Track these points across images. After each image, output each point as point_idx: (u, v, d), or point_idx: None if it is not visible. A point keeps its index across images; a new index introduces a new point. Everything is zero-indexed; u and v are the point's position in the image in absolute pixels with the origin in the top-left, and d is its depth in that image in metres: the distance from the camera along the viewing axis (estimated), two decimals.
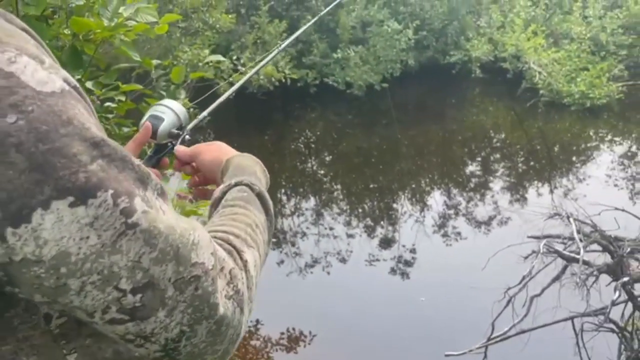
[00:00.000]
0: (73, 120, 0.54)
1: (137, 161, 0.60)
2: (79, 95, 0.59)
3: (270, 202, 0.90)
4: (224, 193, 0.89)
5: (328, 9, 2.35)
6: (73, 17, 1.63)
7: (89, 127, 0.56)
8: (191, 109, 2.14)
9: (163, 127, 1.06)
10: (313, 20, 1.91)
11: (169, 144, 1.09)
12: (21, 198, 0.51)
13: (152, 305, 0.60)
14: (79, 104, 0.57)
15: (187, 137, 1.11)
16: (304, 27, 1.84)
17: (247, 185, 0.89)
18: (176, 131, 1.08)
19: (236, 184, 0.89)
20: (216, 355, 0.69)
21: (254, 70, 1.52)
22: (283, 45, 1.57)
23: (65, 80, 0.57)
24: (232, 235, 0.75)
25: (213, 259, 0.65)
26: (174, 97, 2.07)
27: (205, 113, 1.24)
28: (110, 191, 0.55)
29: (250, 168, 0.95)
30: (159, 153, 1.11)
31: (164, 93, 2.07)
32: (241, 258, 0.72)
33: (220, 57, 2.34)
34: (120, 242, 0.56)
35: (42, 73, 0.55)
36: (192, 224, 0.65)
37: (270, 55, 1.48)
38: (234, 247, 0.73)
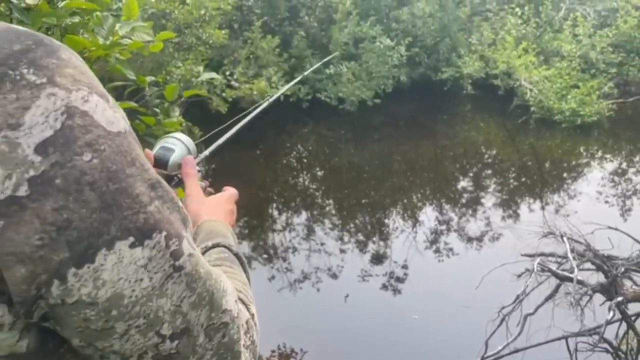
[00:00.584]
0: (136, 161, 0.56)
1: (181, 202, 0.61)
2: (135, 136, 0.60)
3: (246, 263, 0.90)
4: (203, 253, 0.88)
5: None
6: (67, 35, 1.60)
7: (148, 169, 0.57)
8: (183, 124, 2.11)
9: (173, 158, 1.07)
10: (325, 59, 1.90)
11: (176, 176, 1.10)
12: (89, 237, 0.51)
13: (185, 353, 0.60)
14: (137, 145, 0.58)
15: (198, 169, 1.12)
16: (327, 58, 1.84)
17: (225, 247, 0.88)
18: None
19: (214, 246, 0.88)
20: None
21: (265, 103, 1.49)
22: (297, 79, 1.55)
23: (124, 119, 0.58)
24: (236, 290, 0.75)
25: (237, 308, 0.66)
26: (168, 114, 2.05)
27: (212, 147, 1.25)
28: (164, 233, 0.56)
29: (223, 231, 0.94)
30: (169, 184, 1.11)
31: (157, 110, 2.04)
32: (249, 311, 0.73)
33: (214, 75, 2.32)
34: (167, 285, 0.56)
35: (110, 112, 0.56)
36: (217, 270, 0.65)
37: (287, 86, 1.47)
38: (241, 300, 0.73)
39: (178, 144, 1.10)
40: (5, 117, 0.49)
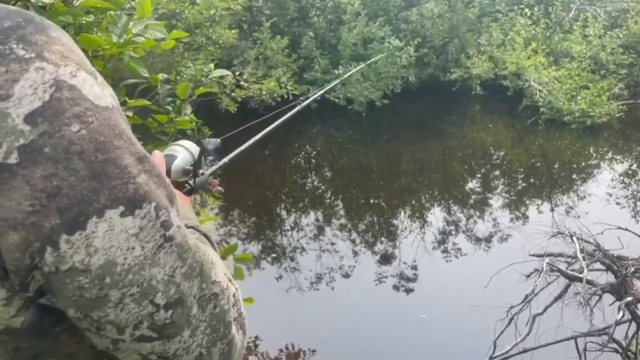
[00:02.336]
0: (123, 134, 0.58)
1: (168, 180, 0.63)
2: (123, 114, 0.62)
3: (215, 244, 0.89)
4: None
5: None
6: (82, 34, 1.63)
7: (135, 143, 0.59)
8: (194, 123, 2.13)
9: (177, 164, 1.08)
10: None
11: (187, 183, 1.11)
12: (79, 205, 0.53)
13: (179, 324, 0.61)
14: (124, 121, 0.60)
15: (201, 173, 1.13)
16: (361, 67, 1.85)
17: (193, 227, 0.87)
18: (190, 167, 1.10)
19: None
20: None
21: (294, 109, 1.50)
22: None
23: (112, 97, 0.61)
24: None
25: (225, 279, 0.67)
26: (180, 112, 2.07)
27: (230, 156, 1.27)
28: (154, 204, 0.58)
29: (188, 214, 0.93)
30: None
31: (169, 108, 2.06)
32: (233, 285, 0.73)
33: (225, 72, 2.33)
34: (159, 254, 0.58)
35: (97, 88, 0.58)
36: (204, 243, 0.68)
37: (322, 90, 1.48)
38: (229, 278, 0.73)
39: (181, 151, 1.10)
40: None
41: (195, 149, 1.13)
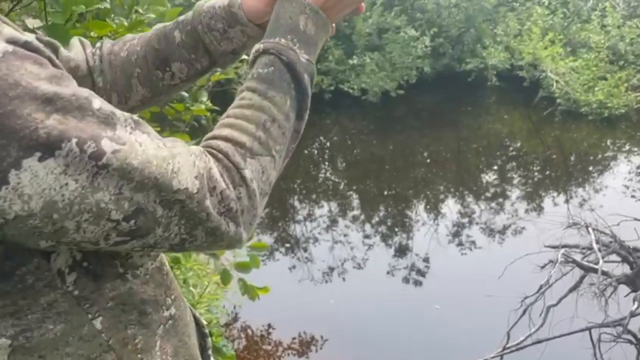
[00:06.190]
0: (20, 81, 0.55)
1: (98, 104, 0.61)
2: (28, 51, 0.59)
3: (306, 72, 0.79)
4: (254, 61, 0.81)
5: None
6: (92, 21, 1.64)
7: (37, 86, 0.56)
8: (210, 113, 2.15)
9: None
10: None
11: None
12: None
13: (147, 226, 0.63)
14: (26, 62, 0.57)
15: None
16: None
17: (275, 55, 0.78)
18: None
19: (264, 52, 0.79)
20: (222, 248, 0.73)
21: None
22: None
23: (9, 41, 0.57)
24: (236, 145, 0.73)
25: (198, 182, 0.66)
26: (196, 99, 2.09)
27: None
28: (74, 140, 0.56)
29: (289, 20, 0.81)
30: None
31: (186, 94, 2.08)
32: (240, 174, 0.71)
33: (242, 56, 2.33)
34: (96, 181, 0.58)
35: None
36: (173, 150, 0.66)
37: None
38: (233, 162, 0.72)
39: None
40: None
41: None
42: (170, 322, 0.81)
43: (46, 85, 0.57)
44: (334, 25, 0.89)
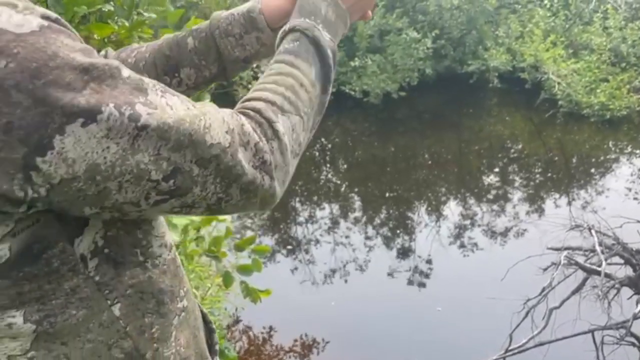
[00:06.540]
0: (58, 53, 0.58)
1: (127, 73, 0.64)
2: (61, 27, 0.61)
3: (329, 48, 0.84)
4: (281, 39, 0.86)
5: None
6: (94, 23, 1.64)
7: (74, 57, 0.59)
8: None
9: None
10: None
11: None
12: (37, 131, 0.56)
13: (185, 185, 0.67)
14: (60, 36, 0.60)
15: None
16: None
17: (300, 31, 0.84)
18: None
19: (290, 30, 0.85)
20: (255, 206, 0.75)
21: None
22: None
23: (43, 17, 0.60)
24: (267, 103, 0.77)
25: (229, 137, 0.69)
26: (199, 101, 2.08)
27: None
28: (112, 105, 0.59)
29: (312, 5, 0.88)
30: None
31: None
32: (272, 128, 0.75)
33: None
34: (137, 143, 0.62)
35: (17, 17, 0.58)
36: (203, 109, 0.69)
37: None
38: (265, 118, 0.75)
39: None
40: None
41: None
42: (183, 314, 0.83)
43: (81, 57, 0.60)
44: (349, 23, 0.94)
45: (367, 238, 6.76)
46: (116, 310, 0.72)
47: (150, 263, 0.76)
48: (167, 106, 0.65)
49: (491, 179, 8.67)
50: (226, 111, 0.72)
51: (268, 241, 6.69)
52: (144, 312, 0.75)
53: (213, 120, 0.68)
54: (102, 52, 1.05)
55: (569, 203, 7.38)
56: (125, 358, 0.74)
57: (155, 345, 0.77)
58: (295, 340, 4.90)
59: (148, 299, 0.75)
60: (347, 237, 6.75)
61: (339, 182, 8.96)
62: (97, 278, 0.69)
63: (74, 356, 0.70)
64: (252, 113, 0.75)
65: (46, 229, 0.63)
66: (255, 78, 9.21)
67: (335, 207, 7.78)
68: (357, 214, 7.62)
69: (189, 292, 0.86)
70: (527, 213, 7.17)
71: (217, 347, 0.98)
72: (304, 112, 0.80)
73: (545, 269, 4.14)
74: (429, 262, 6.09)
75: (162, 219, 0.80)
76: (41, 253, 0.64)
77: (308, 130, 0.83)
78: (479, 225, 6.91)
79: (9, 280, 0.63)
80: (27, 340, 0.67)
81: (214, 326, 0.99)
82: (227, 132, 0.69)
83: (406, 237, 6.82)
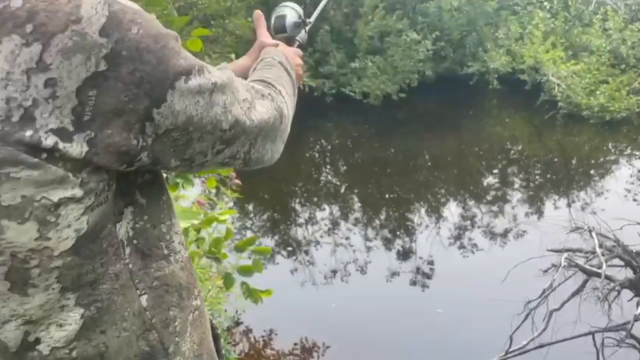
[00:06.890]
0: (158, 26, 0.70)
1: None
2: None
3: (290, 66, 1.14)
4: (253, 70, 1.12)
5: None
6: None
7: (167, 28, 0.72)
8: None
9: (289, 20, 1.32)
10: None
11: (296, 39, 1.34)
12: (158, 86, 0.68)
13: (238, 134, 0.82)
14: (150, 15, 0.72)
15: (309, 22, 1.37)
16: None
17: (270, 58, 1.13)
18: (299, 20, 1.34)
19: (262, 59, 1.14)
20: (267, 156, 0.94)
21: None
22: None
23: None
24: (267, 79, 1.02)
25: (249, 94, 0.87)
26: None
27: (315, 14, 1.46)
28: (196, 66, 0.73)
29: (274, 55, 1.16)
30: (292, 47, 1.33)
31: None
32: (275, 89, 0.98)
33: None
34: (213, 97, 0.75)
35: None
36: (227, 73, 0.83)
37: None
38: (269, 84, 0.99)
39: (287, 10, 1.33)
40: (67, 16, 0.62)
41: (296, 6, 1.35)
42: (197, 312, 0.87)
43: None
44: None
45: (367, 239, 6.76)
46: (143, 301, 0.76)
47: (173, 257, 0.82)
48: (216, 70, 0.79)
49: (491, 180, 8.67)
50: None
51: (268, 242, 6.68)
52: (169, 305, 0.80)
53: (239, 82, 0.85)
54: None
55: (569, 204, 7.38)
56: (150, 351, 0.78)
57: (176, 339, 0.81)
58: (296, 343, 4.89)
59: (172, 292, 0.80)
60: (347, 238, 6.74)
61: (339, 183, 8.96)
62: (130, 266, 0.75)
63: (112, 345, 0.73)
64: (259, 83, 0.99)
65: (108, 208, 0.70)
66: None
67: (336, 209, 7.77)
68: (357, 215, 7.61)
69: (200, 292, 0.90)
70: (527, 214, 7.17)
71: (222, 352, 1.00)
72: (287, 90, 1.05)
73: (545, 271, 4.14)
74: (429, 263, 6.08)
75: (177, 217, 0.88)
76: (101, 230, 0.70)
77: (292, 108, 1.06)
78: (479, 227, 6.91)
79: (79, 258, 0.68)
80: (73, 330, 0.70)
81: (219, 331, 1.02)
82: (247, 90, 0.87)
83: (406, 239, 6.82)
